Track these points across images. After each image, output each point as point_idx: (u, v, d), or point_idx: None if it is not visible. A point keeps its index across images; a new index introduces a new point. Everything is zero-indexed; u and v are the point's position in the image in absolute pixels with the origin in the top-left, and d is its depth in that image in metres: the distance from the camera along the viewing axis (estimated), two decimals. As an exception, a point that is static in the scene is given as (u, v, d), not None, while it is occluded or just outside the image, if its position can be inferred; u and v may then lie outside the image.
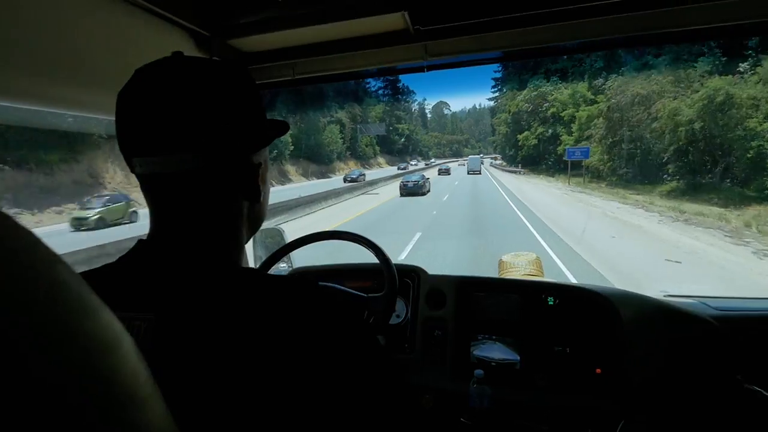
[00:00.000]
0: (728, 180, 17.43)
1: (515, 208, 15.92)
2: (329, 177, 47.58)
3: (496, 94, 72.50)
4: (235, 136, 0.55)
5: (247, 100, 0.57)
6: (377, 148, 78.31)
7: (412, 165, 70.41)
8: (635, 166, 24.66)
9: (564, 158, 35.91)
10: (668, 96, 19.47)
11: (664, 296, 1.65)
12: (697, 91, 18.25)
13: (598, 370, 1.32)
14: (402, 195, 22.80)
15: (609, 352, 1.32)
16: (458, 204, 18.72)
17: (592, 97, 34.18)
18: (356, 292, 1.24)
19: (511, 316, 1.43)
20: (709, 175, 18.46)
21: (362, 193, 25.09)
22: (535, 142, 40.50)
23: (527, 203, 17.58)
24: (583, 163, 29.29)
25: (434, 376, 1.39)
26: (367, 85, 70.64)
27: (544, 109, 39.82)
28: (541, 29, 1.28)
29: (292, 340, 0.46)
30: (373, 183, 29.47)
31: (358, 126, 65.19)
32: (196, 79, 0.53)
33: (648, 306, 1.38)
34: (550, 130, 38.71)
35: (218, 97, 0.53)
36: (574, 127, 34.31)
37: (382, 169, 57.87)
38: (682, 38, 1.31)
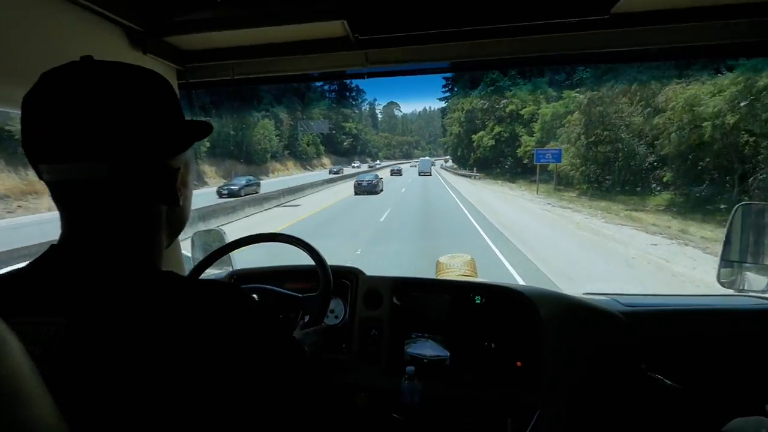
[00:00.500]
0: (749, 192, 13.23)
1: (487, 238, 10.57)
2: (260, 179, 41.19)
3: (447, 94, 68.67)
4: (147, 141, 0.54)
5: (160, 104, 0.56)
6: (321, 147, 71.93)
7: (353, 167, 64.06)
8: (616, 172, 20.60)
9: (524, 161, 31.95)
10: (678, 82, 15.03)
11: (584, 294, 1.72)
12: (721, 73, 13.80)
13: (519, 364, 1.40)
14: (356, 194, 23.99)
15: (529, 346, 1.40)
16: (402, 226, 13.49)
17: (556, 93, 30.38)
18: (291, 293, 1.27)
19: (442, 314, 1.49)
20: (727, 185, 14.25)
21: (276, 206, 19.08)
22: (491, 143, 36.24)
23: (500, 226, 12.41)
24: (549, 168, 25.12)
25: (370, 375, 1.45)
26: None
27: (501, 106, 35.71)
28: (486, 43, 1.38)
29: (202, 344, 0.47)
30: (297, 191, 23.31)
31: (299, 122, 58.93)
32: (104, 85, 0.52)
33: (564, 303, 1.49)
34: (508, 130, 34.61)
35: (128, 103, 0.52)
36: (536, 126, 30.25)
37: (313, 173, 50.85)
38: (629, 57, 1.50)
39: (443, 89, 67.73)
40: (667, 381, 1.38)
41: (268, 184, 30.41)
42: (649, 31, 1.31)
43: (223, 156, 38.35)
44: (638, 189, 19.46)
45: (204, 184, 33.16)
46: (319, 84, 69.62)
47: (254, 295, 1.26)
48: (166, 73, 1.47)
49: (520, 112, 33.40)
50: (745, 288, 1.59)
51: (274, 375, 0.52)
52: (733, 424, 1.11)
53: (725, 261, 1.57)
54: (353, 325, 1.51)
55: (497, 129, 35.68)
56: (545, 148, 25.33)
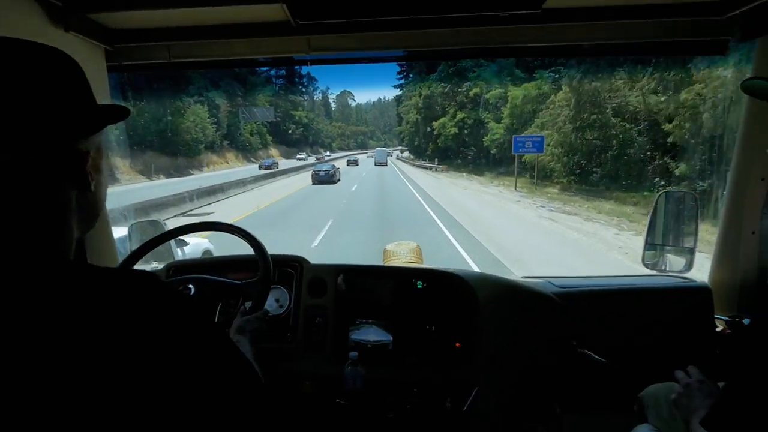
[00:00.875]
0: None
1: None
2: (191, 174, 35.48)
3: (402, 81, 64.59)
4: (51, 125, 0.51)
5: (65, 85, 0.54)
6: (268, 137, 66.00)
7: (297, 159, 57.46)
8: (608, 162, 17.32)
9: (491, 151, 28.49)
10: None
11: (522, 278, 1.85)
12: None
13: (458, 345, 1.47)
14: (314, 183, 24.53)
15: (467, 328, 1.48)
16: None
17: (524, 75, 27.07)
18: (230, 280, 1.30)
19: (385, 300, 1.55)
20: None
21: (176, 215, 13.90)
22: (455, 130, 32.53)
23: (505, 257, 8.26)
24: (523, 159, 21.69)
25: (315, 362, 1.49)
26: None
27: (464, 89, 32.06)
28: (423, 34, 1.41)
29: (111, 333, 0.45)
30: (214, 192, 18.20)
31: (240, 109, 53.01)
32: (1, 67, 0.49)
33: (501, 287, 1.59)
34: (472, 116, 31.04)
35: (28, 86, 0.50)
36: (505, 111, 26.81)
37: (238, 169, 43.27)
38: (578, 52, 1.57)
39: (398, 76, 63.38)
40: (595, 356, 1.50)
41: (199, 180, 25.22)
42: (580, 27, 1.41)
43: (143, 147, 32.28)
44: (633, 183, 16.30)
45: (116, 181, 27.23)
46: (264, 68, 63.74)
47: (190, 286, 1.25)
48: (92, 54, 1.41)
49: (485, 95, 29.84)
50: (667, 269, 1.71)
51: (188, 366, 0.49)
52: (647, 390, 1.27)
53: (649, 244, 1.72)
54: (298, 314, 1.53)
55: (460, 115, 32.03)
56: (524, 135, 21.69)
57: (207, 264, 1.67)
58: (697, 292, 1.63)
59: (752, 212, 1.46)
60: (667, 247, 1.69)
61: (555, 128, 19.05)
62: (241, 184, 21.93)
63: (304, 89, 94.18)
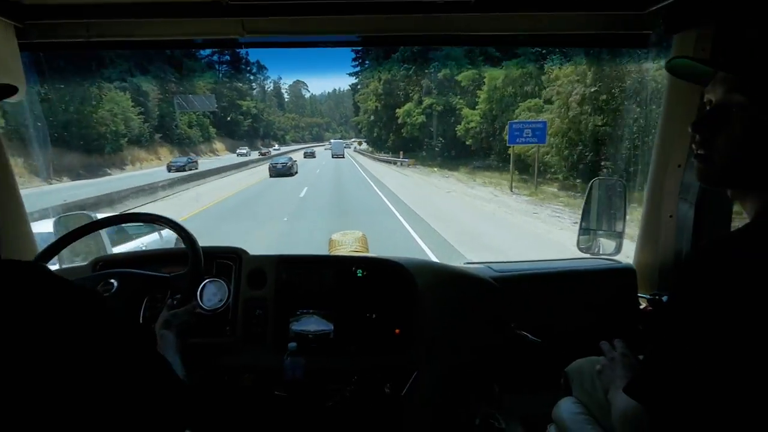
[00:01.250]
0: None
1: None
2: (108, 174, 29.52)
3: (358, 68, 59.79)
4: None
5: None
6: (212, 130, 59.42)
7: (238, 155, 49.78)
8: (618, 155, 13.80)
9: (465, 142, 24.69)
10: None
11: (464, 263, 1.86)
12: None
13: (397, 331, 1.51)
14: (271, 176, 24.35)
15: (407, 314, 1.52)
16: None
17: (498, 54, 23.42)
18: (156, 273, 1.29)
19: (326, 289, 1.55)
20: None
21: None
22: (422, 119, 28.48)
23: None
24: (512, 151, 17.93)
25: (255, 355, 1.48)
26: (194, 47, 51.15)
27: (431, 70, 28.02)
28: (367, 18, 1.41)
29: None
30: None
31: (175, 98, 46.62)
32: None
33: (441, 273, 1.63)
34: (441, 102, 27.10)
35: None
36: (481, 95, 23.05)
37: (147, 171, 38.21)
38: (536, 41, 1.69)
39: (353, 63, 58.53)
40: (530, 336, 1.55)
41: (115, 181, 19.90)
42: (512, 18, 1.43)
43: (38, 143, 25.99)
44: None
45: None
46: (205, 52, 56.85)
47: (113, 281, 1.22)
48: (1, 31, 1.36)
49: (456, 77, 25.93)
50: (600, 252, 1.80)
51: (76, 361, 0.48)
52: (573, 364, 1.30)
53: (583, 229, 1.79)
54: (237, 307, 1.50)
55: (428, 101, 27.98)
56: (520, 120, 17.67)
57: (139, 258, 1.64)
58: (623, 273, 1.73)
59: (670, 197, 1.55)
60: (600, 232, 1.79)
61: (560, 112, 15.21)
62: (154, 188, 16.70)
63: (252, 77, 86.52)
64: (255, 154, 49.89)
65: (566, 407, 1.23)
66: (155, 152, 41.00)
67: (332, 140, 73.30)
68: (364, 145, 67.68)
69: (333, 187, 19.09)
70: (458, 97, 26.12)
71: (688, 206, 1.49)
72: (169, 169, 28.75)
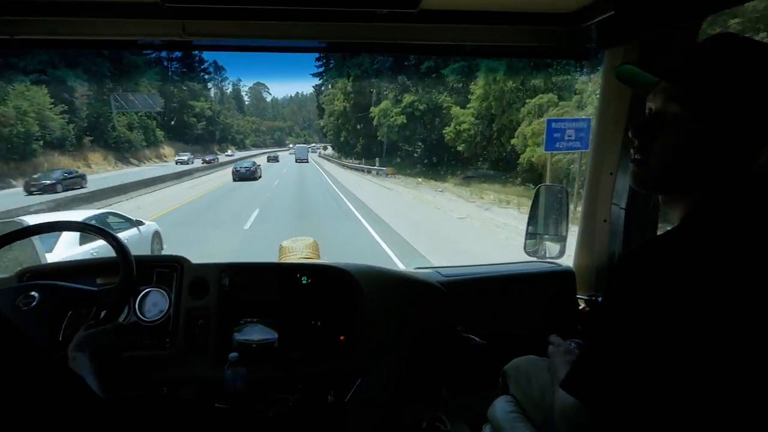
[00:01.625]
0: None
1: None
2: (12, 186, 23.53)
3: (322, 69, 55.05)
4: None
5: None
6: (159, 133, 53.06)
7: (178, 162, 41.37)
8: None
9: (456, 149, 20.83)
10: None
11: (415, 269, 1.90)
12: None
13: (342, 338, 1.49)
14: (234, 180, 22.85)
15: (351, 320, 1.50)
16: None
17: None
18: (83, 287, 1.24)
19: (270, 297, 1.52)
20: None
21: None
22: (401, 119, 24.31)
23: None
24: (548, 157, 13.97)
25: (196, 367, 1.42)
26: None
27: (411, 62, 23.93)
28: (311, 25, 1.40)
29: None
30: None
31: (112, 96, 40.59)
32: None
33: (386, 278, 1.62)
34: (425, 100, 23.13)
35: None
36: (475, 91, 19.24)
37: (137, 170, 32.57)
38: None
39: (317, 63, 53.85)
40: (476, 339, 1.56)
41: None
42: (455, 29, 1.45)
43: None
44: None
45: None
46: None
47: (34, 293, 1.19)
48: None
49: (442, 71, 21.98)
50: (546, 255, 1.81)
51: None
52: (510, 363, 1.34)
53: (530, 234, 1.82)
54: (178, 317, 1.45)
55: (409, 98, 23.89)
56: (558, 117, 13.32)
57: (72, 268, 1.53)
58: (563, 275, 1.78)
59: (604, 203, 1.60)
60: (546, 236, 1.81)
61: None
62: None
63: (207, 76, 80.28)
64: (196, 162, 41.06)
65: (500, 406, 1.27)
66: (84, 158, 34.82)
67: (296, 145, 71.04)
68: (330, 150, 63.26)
69: (296, 207, 14.63)
70: (444, 94, 22.23)
71: (620, 211, 1.55)
72: (28, 189, 19.38)
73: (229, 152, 68.88)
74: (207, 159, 40.94)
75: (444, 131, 21.11)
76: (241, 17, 1.35)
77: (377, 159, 26.71)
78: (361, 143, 34.37)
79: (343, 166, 35.94)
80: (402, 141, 25.50)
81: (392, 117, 24.76)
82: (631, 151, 0.78)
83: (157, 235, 7.47)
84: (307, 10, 1.34)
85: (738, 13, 8.21)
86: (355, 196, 16.76)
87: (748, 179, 0.67)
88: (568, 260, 1.80)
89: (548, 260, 1.84)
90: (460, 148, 19.92)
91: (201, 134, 71.13)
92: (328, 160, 52.39)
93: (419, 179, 21.16)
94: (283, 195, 17.52)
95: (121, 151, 41.40)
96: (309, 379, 1.46)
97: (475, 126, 18.91)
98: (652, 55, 1.32)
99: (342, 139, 42.86)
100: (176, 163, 39.47)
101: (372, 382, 1.48)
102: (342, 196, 16.88)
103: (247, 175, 23.33)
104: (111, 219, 6.88)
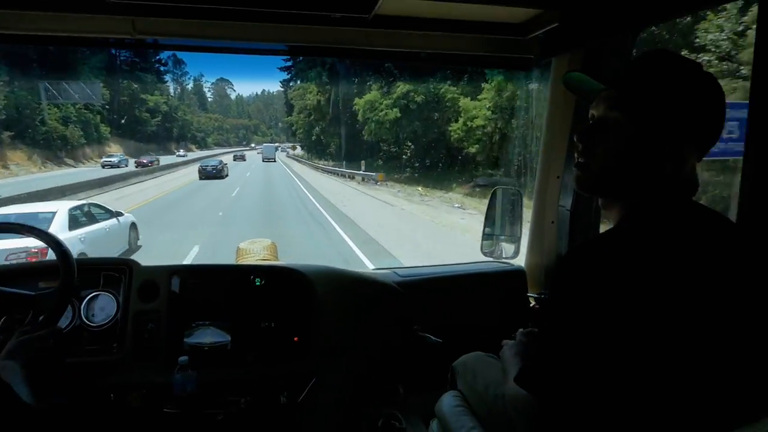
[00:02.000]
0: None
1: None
2: None
3: (290, 62, 50.00)
4: None
5: None
6: (104, 129, 46.64)
7: (104, 165, 32.70)
8: None
9: (471, 150, 16.65)
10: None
11: (373, 269, 2.03)
12: None
13: (296, 339, 1.49)
14: (201, 179, 23.21)
15: (306, 321, 1.50)
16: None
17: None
18: (18, 291, 1.20)
19: (223, 299, 1.50)
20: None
21: None
22: (394, 113, 20.00)
23: None
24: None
25: (145, 372, 1.40)
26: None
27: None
28: (264, 27, 1.41)
29: None
30: None
31: (43, 85, 34.59)
32: None
33: (341, 279, 1.62)
34: (422, 91, 19.04)
35: None
36: (492, 80, 15.32)
37: (72, 171, 26.82)
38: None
39: (285, 58, 48.94)
40: (432, 337, 1.58)
41: None
42: (408, 35, 1.50)
43: None
44: None
45: None
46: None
47: None
48: None
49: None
50: (502, 255, 1.85)
51: None
52: (459, 360, 1.36)
53: (486, 234, 1.86)
54: (126, 322, 1.43)
55: (403, 88, 19.68)
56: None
57: (12, 271, 1.49)
58: (515, 274, 1.82)
59: (551, 205, 1.65)
60: (501, 237, 1.86)
61: None
62: None
63: (164, 68, 73.63)
64: (128, 166, 31.85)
65: (447, 401, 1.29)
66: (1, 157, 28.72)
67: (264, 144, 68.56)
68: (299, 150, 58.47)
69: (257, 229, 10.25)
70: (448, 83, 18.22)
71: (566, 213, 1.60)
72: None
73: (181, 152, 60.01)
74: (143, 161, 32.44)
75: (449, 128, 17.10)
76: (192, 16, 1.33)
77: (362, 162, 22.06)
78: (335, 142, 30.19)
79: (317, 168, 31.47)
80: (392, 140, 21.29)
81: (382, 110, 20.23)
82: (575, 155, 0.81)
83: (134, 227, 7.90)
84: (262, 12, 1.34)
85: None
86: (343, 214, 12.34)
87: (676, 185, 0.75)
88: (523, 260, 1.83)
89: (503, 260, 1.88)
90: (472, 150, 15.93)
91: (156, 131, 64.13)
92: (298, 161, 47.76)
93: (418, 188, 17.03)
94: (244, 211, 13.03)
95: (53, 149, 35.06)
96: (262, 380, 1.46)
97: (491, 122, 15.04)
98: (595, 64, 1.43)
99: (314, 137, 38.41)
100: (103, 167, 31.99)
101: (327, 383, 1.49)
102: (327, 217, 12.25)
103: (213, 174, 23.53)
104: (94, 210, 7.08)
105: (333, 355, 1.50)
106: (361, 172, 20.96)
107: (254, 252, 1.88)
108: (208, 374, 1.35)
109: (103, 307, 1.41)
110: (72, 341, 1.34)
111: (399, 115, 19.43)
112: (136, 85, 58.57)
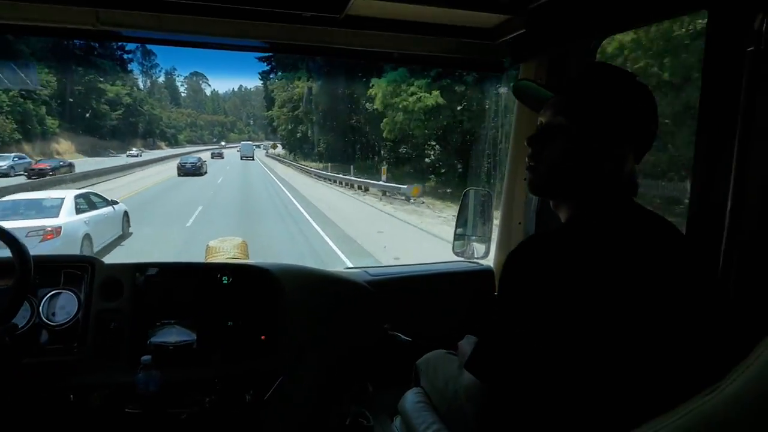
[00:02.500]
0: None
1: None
2: None
3: (269, 53, 44.11)
4: None
5: None
6: (50, 121, 39.77)
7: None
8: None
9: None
10: None
11: (344, 269, 1.97)
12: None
13: (263, 338, 1.49)
14: (179, 175, 23.51)
15: (273, 320, 1.50)
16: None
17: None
18: None
19: (188, 298, 1.49)
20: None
21: None
22: (434, 100, 14.28)
23: None
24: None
25: (107, 372, 1.38)
26: None
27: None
28: (235, 23, 1.39)
29: None
30: None
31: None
32: None
33: (309, 277, 1.64)
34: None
35: None
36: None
37: None
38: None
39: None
40: (402, 336, 1.59)
41: None
42: (380, 36, 1.53)
43: None
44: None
45: None
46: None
47: None
48: None
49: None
50: (473, 255, 1.87)
51: None
52: (422, 357, 1.37)
53: (458, 235, 1.87)
54: (88, 320, 1.41)
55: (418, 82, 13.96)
56: None
57: None
58: (483, 274, 1.86)
59: (518, 207, 1.69)
60: (473, 237, 1.87)
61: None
62: None
63: (128, 56, 66.28)
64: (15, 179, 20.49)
65: (410, 398, 1.30)
66: None
67: (242, 142, 64.86)
68: (280, 149, 52.56)
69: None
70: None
71: (533, 214, 1.63)
72: None
73: (134, 151, 50.34)
74: (37, 168, 20.03)
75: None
76: (160, 10, 1.31)
77: (384, 167, 15.87)
78: (326, 140, 24.92)
79: (306, 172, 25.95)
80: (417, 137, 15.73)
81: (408, 97, 14.40)
82: (527, 159, 0.86)
83: (126, 215, 8.64)
84: (232, 8, 1.32)
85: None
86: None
87: (617, 186, 0.80)
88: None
89: (475, 260, 1.90)
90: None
91: (117, 126, 56.77)
92: (280, 161, 41.88)
93: (448, 202, 11.80)
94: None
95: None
96: (227, 379, 1.44)
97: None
98: (560, 70, 1.45)
99: (299, 134, 32.95)
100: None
101: (295, 381, 1.49)
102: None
103: (192, 171, 24.21)
104: (94, 198, 7.82)
105: (301, 353, 1.51)
106: (381, 183, 15.08)
107: (224, 250, 1.88)
108: (172, 373, 1.34)
109: (63, 305, 1.40)
110: (30, 341, 1.33)
111: (441, 101, 13.77)
112: (93, 74, 51.37)
